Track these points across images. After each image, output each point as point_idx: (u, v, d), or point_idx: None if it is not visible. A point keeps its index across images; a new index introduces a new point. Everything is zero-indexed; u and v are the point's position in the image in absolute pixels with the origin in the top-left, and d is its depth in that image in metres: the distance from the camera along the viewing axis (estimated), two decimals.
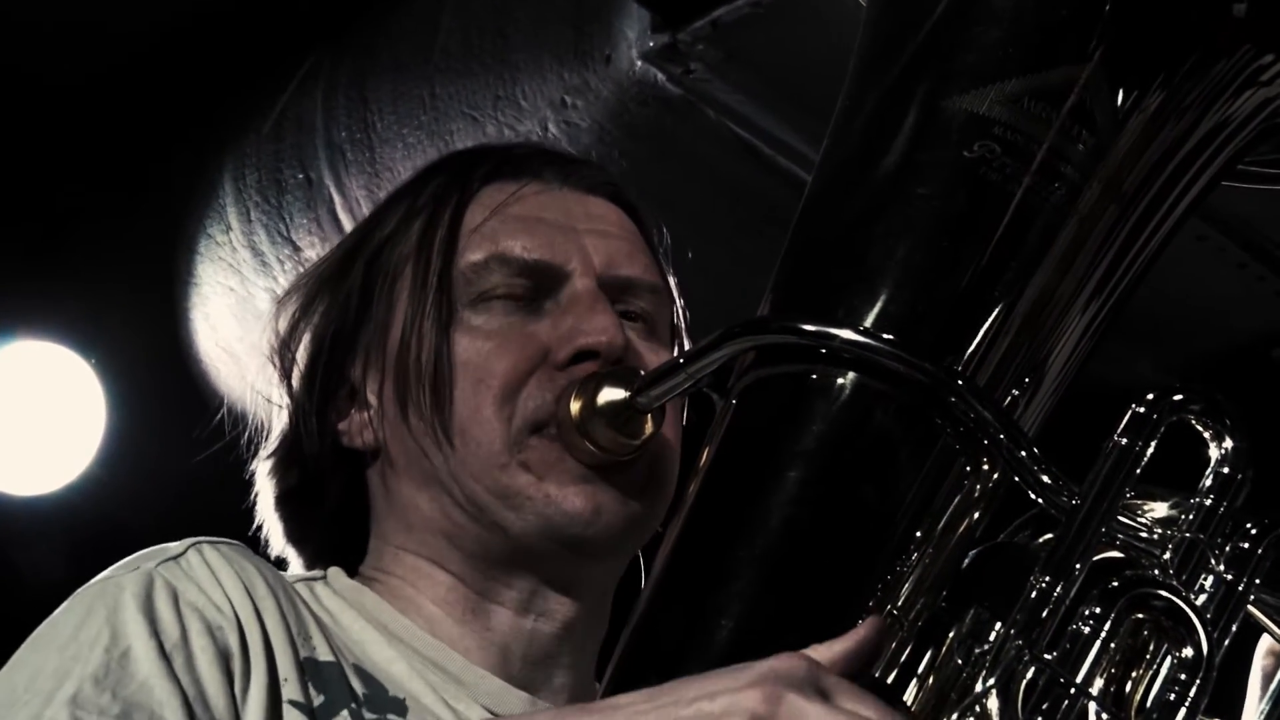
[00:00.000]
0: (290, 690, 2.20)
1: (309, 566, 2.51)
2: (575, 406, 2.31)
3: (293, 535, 2.54)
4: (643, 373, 2.27)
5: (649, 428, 2.31)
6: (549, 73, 4.34)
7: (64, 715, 2.06)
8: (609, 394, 2.29)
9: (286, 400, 2.51)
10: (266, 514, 2.54)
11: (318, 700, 2.21)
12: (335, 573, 2.44)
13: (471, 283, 2.42)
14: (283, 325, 2.52)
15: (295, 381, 2.50)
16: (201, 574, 2.23)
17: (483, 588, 2.39)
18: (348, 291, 2.49)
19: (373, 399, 2.45)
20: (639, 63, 4.23)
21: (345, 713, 2.22)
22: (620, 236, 2.48)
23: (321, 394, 2.48)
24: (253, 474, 2.55)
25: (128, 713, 2.08)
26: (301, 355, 2.50)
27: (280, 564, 2.51)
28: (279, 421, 2.53)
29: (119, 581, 2.20)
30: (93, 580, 2.25)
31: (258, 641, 2.20)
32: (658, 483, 2.37)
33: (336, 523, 2.51)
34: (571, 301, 2.40)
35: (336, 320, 2.49)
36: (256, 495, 2.54)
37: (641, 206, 2.56)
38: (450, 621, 2.38)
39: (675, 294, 2.54)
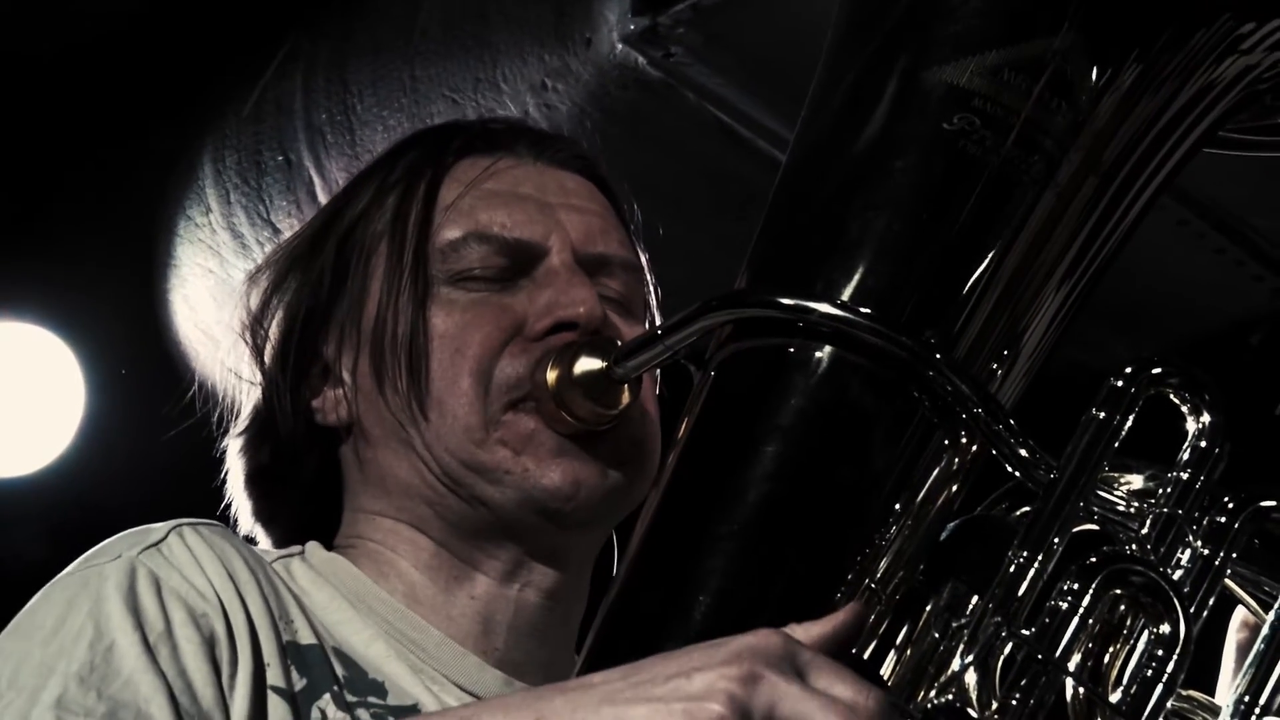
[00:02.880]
0: (273, 675, 2.19)
1: (278, 546, 2.50)
2: (551, 376, 2.31)
3: (262, 514, 2.53)
4: (620, 343, 2.28)
5: (625, 398, 2.31)
6: (529, 55, 4.34)
7: (50, 718, 2.04)
8: (586, 364, 2.29)
9: (258, 378, 2.50)
10: (236, 492, 2.53)
11: (300, 684, 2.21)
12: (313, 547, 2.43)
13: (448, 259, 2.41)
14: (254, 303, 2.51)
15: (268, 359, 2.49)
16: (183, 559, 2.22)
17: (465, 555, 2.38)
18: (320, 269, 2.48)
19: (346, 376, 2.44)
20: (619, 46, 4.22)
21: (328, 695, 2.21)
22: (595, 212, 2.48)
23: (294, 371, 2.47)
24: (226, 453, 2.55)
25: (113, 711, 2.06)
26: (274, 333, 2.49)
27: (249, 543, 2.50)
28: (249, 399, 2.52)
29: (101, 571, 2.19)
30: (73, 566, 2.23)
31: (242, 626, 2.19)
32: (638, 454, 2.37)
33: (308, 502, 2.50)
34: (548, 276, 2.39)
35: (309, 297, 2.48)
36: (226, 473, 2.53)
37: (614, 182, 2.57)
38: (433, 589, 2.38)
39: (648, 271, 2.54)
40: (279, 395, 2.47)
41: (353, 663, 2.28)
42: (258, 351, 2.51)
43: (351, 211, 2.51)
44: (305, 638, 2.26)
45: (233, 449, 2.54)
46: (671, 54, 4.23)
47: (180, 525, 2.28)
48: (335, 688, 2.23)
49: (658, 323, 2.49)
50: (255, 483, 2.53)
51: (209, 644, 2.16)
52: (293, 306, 2.49)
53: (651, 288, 2.54)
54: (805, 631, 1.86)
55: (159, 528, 2.27)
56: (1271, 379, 4.71)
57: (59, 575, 2.23)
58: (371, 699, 2.25)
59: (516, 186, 2.46)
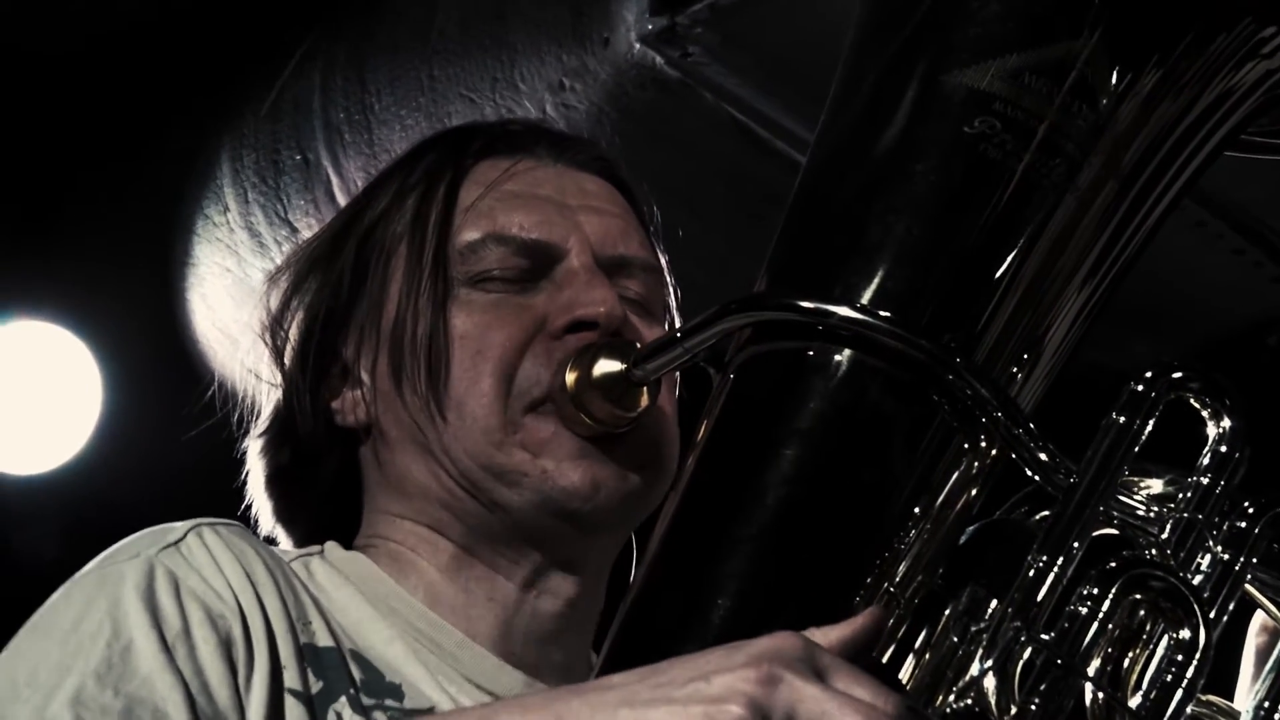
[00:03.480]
0: (290, 678, 2.19)
1: (298, 546, 2.50)
2: (571, 378, 2.30)
3: (283, 515, 2.53)
4: (639, 346, 2.27)
5: (645, 401, 2.30)
6: (547, 55, 4.34)
7: (67, 715, 2.05)
8: (605, 366, 2.28)
9: (278, 379, 2.50)
10: (256, 493, 2.53)
11: (316, 687, 2.21)
12: (332, 546, 2.43)
13: (468, 261, 2.41)
14: (274, 303, 2.51)
15: (287, 360, 2.49)
16: (202, 559, 2.22)
17: (485, 559, 2.38)
18: (340, 269, 2.48)
19: (366, 377, 2.44)
20: (637, 45, 4.22)
21: (344, 698, 2.21)
22: (615, 214, 2.48)
23: (314, 372, 2.47)
24: (246, 453, 2.55)
25: (130, 709, 2.06)
26: (293, 333, 2.49)
27: (269, 543, 2.50)
28: (270, 400, 2.52)
29: (120, 570, 2.19)
30: (91, 564, 2.24)
31: (259, 628, 2.19)
32: (657, 457, 2.36)
33: (328, 503, 2.50)
34: (568, 277, 2.39)
35: (329, 298, 2.48)
36: (247, 474, 2.54)
37: (633, 183, 2.56)
38: (453, 590, 2.38)
39: (667, 272, 2.54)
40: (298, 396, 2.47)
41: (370, 665, 2.28)
42: (277, 352, 2.51)
43: (371, 213, 2.51)
44: (323, 640, 2.26)
45: (253, 450, 2.54)
46: (689, 54, 4.23)
47: (199, 525, 2.28)
48: (352, 690, 2.23)
49: (677, 324, 2.49)
50: (275, 483, 2.53)
51: (225, 645, 2.16)
52: (312, 307, 2.49)
53: (671, 289, 2.53)
54: (824, 635, 1.85)
55: (178, 527, 2.27)
56: None
57: (77, 574, 2.23)
58: (389, 702, 2.25)
59: (536, 188, 2.46)
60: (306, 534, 2.52)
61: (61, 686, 2.07)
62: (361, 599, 2.35)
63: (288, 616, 2.23)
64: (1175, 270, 4.55)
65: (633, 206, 2.54)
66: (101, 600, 2.15)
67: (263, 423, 2.52)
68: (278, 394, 2.51)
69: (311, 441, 2.47)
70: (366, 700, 2.23)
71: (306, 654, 2.22)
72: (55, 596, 2.20)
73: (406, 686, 2.27)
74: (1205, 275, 4.69)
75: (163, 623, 2.14)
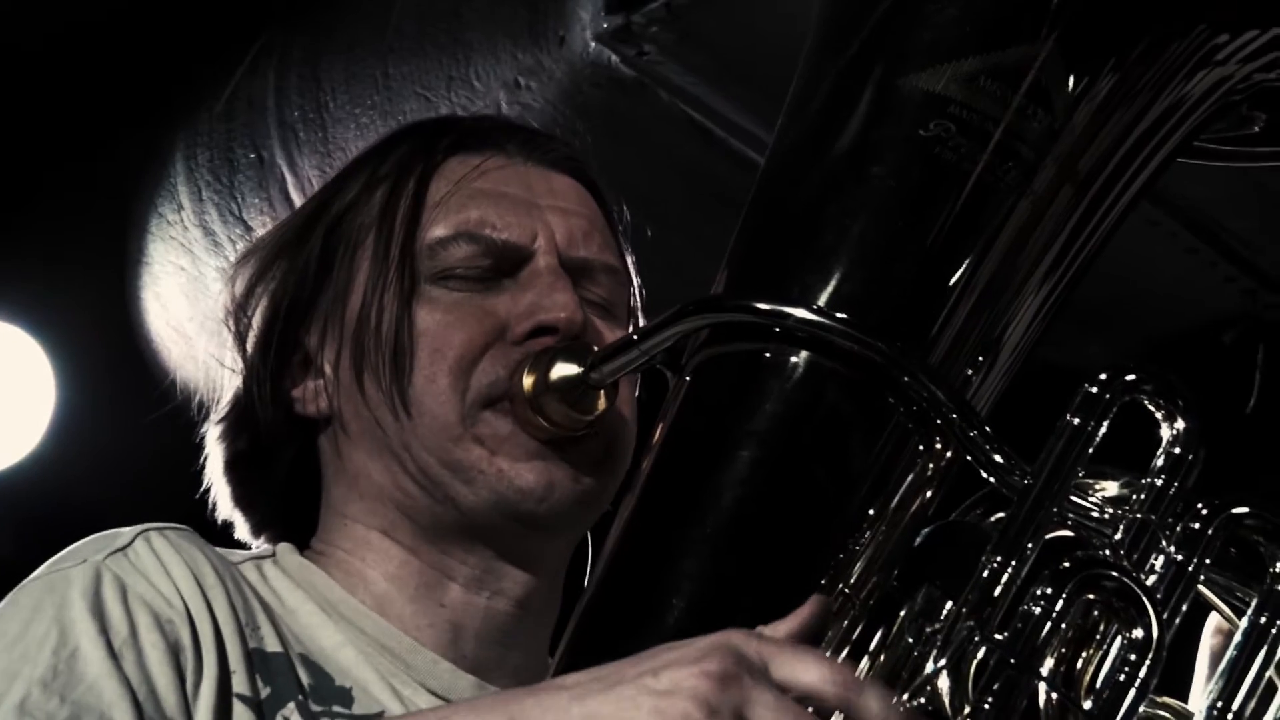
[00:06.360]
0: (238, 683, 2.19)
1: (256, 532, 2.51)
2: (528, 381, 2.30)
3: (240, 500, 2.52)
4: (596, 349, 2.27)
5: (602, 404, 2.31)
6: (503, 53, 4.33)
7: None
8: (562, 369, 2.28)
9: (240, 365, 2.50)
10: (214, 478, 2.52)
11: (265, 692, 2.21)
12: (285, 550, 2.43)
13: (434, 257, 2.41)
14: (239, 289, 2.51)
15: (249, 346, 2.49)
16: (150, 564, 2.22)
17: (435, 562, 2.38)
18: (306, 258, 2.48)
19: (328, 367, 2.44)
20: (593, 44, 4.22)
21: (292, 704, 2.21)
22: (582, 215, 2.48)
23: (276, 360, 2.46)
24: (202, 447, 2.54)
25: (76, 716, 2.06)
26: (257, 320, 2.49)
27: (227, 528, 2.50)
28: (230, 386, 2.51)
29: (67, 576, 2.18)
30: (38, 571, 2.23)
31: (208, 633, 2.19)
32: (611, 460, 2.36)
33: (286, 490, 2.50)
34: (532, 278, 2.39)
35: (294, 286, 2.47)
36: (206, 458, 2.53)
37: (602, 183, 2.56)
38: (402, 599, 2.38)
39: (633, 273, 2.54)
40: (259, 383, 2.47)
41: (320, 670, 2.28)
42: (240, 338, 2.50)
43: (340, 202, 2.50)
44: (271, 645, 2.26)
45: (212, 435, 2.53)
46: (645, 52, 4.22)
47: (148, 530, 2.27)
48: (300, 696, 2.22)
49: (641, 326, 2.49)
50: (233, 469, 2.52)
51: (174, 651, 2.16)
52: (277, 294, 2.49)
53: (636, 291, 2.54)
54: (773, 631, 1.87)
55: (126, 532, 2.26)
56: (1244, 379, 4.73)
57: (25, 581, 2.22)
58: (337, 708, 2.24)
59: (504, 186, 2.46)
60: (263, 519, 2.52)
61: (7, 694, 2.07)
62: (313, 605, 2.34)
63: (236, 621, 2.23)
64: (1129, 269, 4.57)
65: (601, 206, 2.54)
66: (48, 606, 2.15)
67: (223, 408, 2.52)
68: (238, 380, 2.50)
69: (271, 429, 2.47)
70: (315, 706, 2.23)
71: (255, 659, 2.22)
72: (2, 605, 2.20)
73: (357, 691, 2.27)
74: (1159, 274, 4.71)
75: (110, 629, 2.14)
